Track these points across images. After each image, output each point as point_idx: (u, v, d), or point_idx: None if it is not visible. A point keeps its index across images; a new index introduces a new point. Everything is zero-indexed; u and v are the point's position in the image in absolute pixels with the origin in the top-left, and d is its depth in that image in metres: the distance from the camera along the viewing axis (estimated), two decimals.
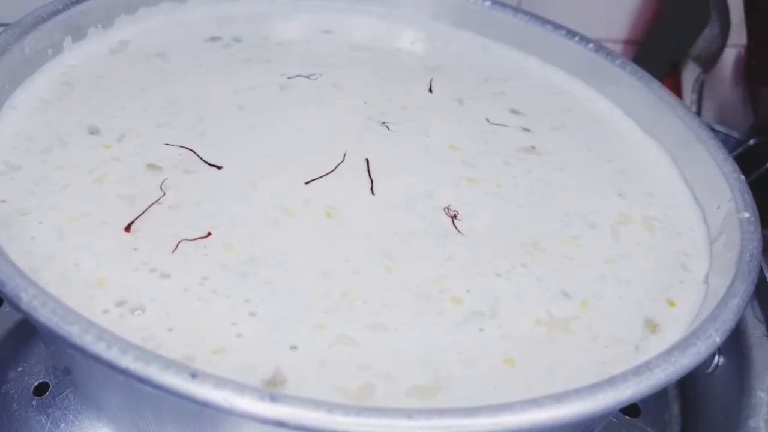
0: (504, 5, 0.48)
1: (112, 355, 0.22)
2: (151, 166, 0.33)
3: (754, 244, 0.31)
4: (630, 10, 0.67)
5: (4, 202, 0.30)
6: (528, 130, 0.40)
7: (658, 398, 0.39)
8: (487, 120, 0.41)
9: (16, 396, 0.35)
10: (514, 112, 0.42)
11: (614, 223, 0.35)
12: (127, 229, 0.30)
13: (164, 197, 0.32)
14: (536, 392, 0.23)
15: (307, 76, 0.41)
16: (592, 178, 0.38)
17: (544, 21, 0.47)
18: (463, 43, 0.48)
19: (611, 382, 0.24)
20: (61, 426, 0.34)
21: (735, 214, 0.33)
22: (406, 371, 0.26)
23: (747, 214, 0.32)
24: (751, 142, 0.65)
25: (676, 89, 0.66)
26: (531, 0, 0.61)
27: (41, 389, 0.35)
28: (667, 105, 0.41)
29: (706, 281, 0.32)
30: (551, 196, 0.36)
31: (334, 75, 0.42)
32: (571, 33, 0.46)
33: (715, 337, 0.26)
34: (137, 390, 0.26)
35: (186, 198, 0.32)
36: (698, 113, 0.65)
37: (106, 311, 0.27)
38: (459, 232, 0.33)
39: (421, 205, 0.34)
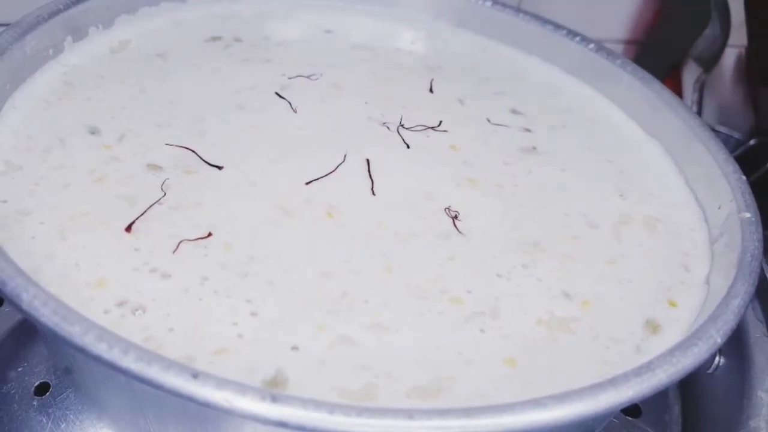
0: (504, 5, 0.48)
1: (113, 355, 0.21)
2: (152, 166, 0.33)
3: (755, 244, 0.31)
4: (631, 10, 0.67)
5: (4, 201, 0.30)
6: (528, 130, 0.40)
7: (658, 398, 0.39)
8: (488, 120, 0.41)
9: (16, 396, 0.35)
10: (514, 112, 0.42)
11: (615, 223, 0.35)
12: (128, 229, 0.30)
13: (165, 197, 0.32)
14: (537, 393, 0.23)
15: (307, 76, 0.41)
16: (593, 178, 0.38)
17: (544, 21, 0.47)
18: (463, 43, 0.48)
19: (612, 382, 0.24)
20: (62, 426, 0.34)
21: (736, 214, 0.33)
22: (406, 372, 0.26)
23: (748, 215, 0.32)
24: (752, 142, 0.65)
25: (677, 89, 0.66)
26: (531, 0, 0.61)
27: (42, 389, 0.35)
28: (667, 105, 0.41)
29: (707, 282, 0.32)
30: (552, 197, 0.36)
31: (335, 75, 0.42)
32: (571, 33, 0.46)
33: (716, 337, 0.26)
34: (138, 390, 0.26)
35: (186, 198, 0.32)
36: (699, 113, 0.65)
37: (106, 311, 0.27)
38: (459, 232, 0.33)
39: (421, 206, 0.34)
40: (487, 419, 0.22)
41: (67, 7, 0.38)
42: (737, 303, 0.28)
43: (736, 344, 0.36)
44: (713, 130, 0.40)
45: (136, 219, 0.30)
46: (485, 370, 0.27)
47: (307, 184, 0.34)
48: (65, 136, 0.34)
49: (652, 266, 0.33)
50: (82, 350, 0.22)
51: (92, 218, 0.30)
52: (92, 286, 0.27)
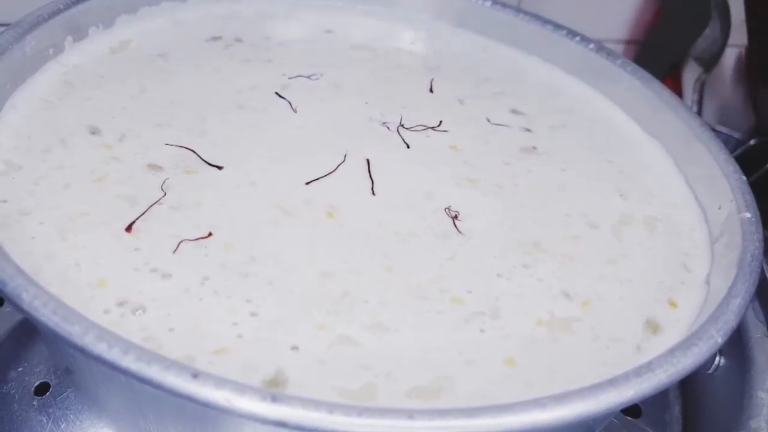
0: (504, 5, 0.48)
1: (113, 355, 0.22)
2: (152, 166, 0.33)
3: (756, 244, 0.31)
4: (631, 10, 0.67)
5: (4, 201, 0.30)
6: (528, 130, 0.40)
7: (659, 399, 0.39)
8: (488, 120, 0.41)
9: (17, 396, 0.35)
10: (514, 112, 0.42)
11: (615, 223, 0.35)
12: (128, 229, 0.30)
13: (165, 197, 0.32)
14: (537, 393, 0.23)
15: (307, 76, 0.41)
16: (593, 178, 0.38)
17: (544, 21, 0.47)
18: (463, 43, 0.48)
19: (613, 382, 0.24)
20: (62, 426, 0.34)
21: (736, 214, 0.33)
22: (407, 372, 0.26)
23: (748, 215, 0.32)
24: (752, 142, 0.65)
25: (677, 89, 0.66)
26: (531, 0, 0.61)
27: (42, 389, 0.35)
28: (668, 105, 0.41)
29: (707, 282, 0.32)
30: (552, 196, 0.36)
31: (335, 75, 0.42)
32: (571, 33, 0.46)
33: (717, 337, 0.26)
34: (138, 390, 0.26)
35: (187, 198, 0.32)
36: (699, 113, 0.65)
37: (107, 311, 0.27)
38: (459, 232, 0.33)
39: (421, 206, 0.34)
40: (487, 419, 0.22)
41: (67, 7, 0.38)
42: (737, 303, 0.28)
43: (737, 344, 0.36)
44: (713, 130, 0.40)
45: (137, 219, 0.30)
46: (485, 370, 0.27)
47: (307, 184, 0.34)
48: (65, 136, 0.34)
49: (653, 266, 0.33)
50: (82, 350, 0.22)
51: (92, 218, 0.30)
52: (93, 286, 0.27)
